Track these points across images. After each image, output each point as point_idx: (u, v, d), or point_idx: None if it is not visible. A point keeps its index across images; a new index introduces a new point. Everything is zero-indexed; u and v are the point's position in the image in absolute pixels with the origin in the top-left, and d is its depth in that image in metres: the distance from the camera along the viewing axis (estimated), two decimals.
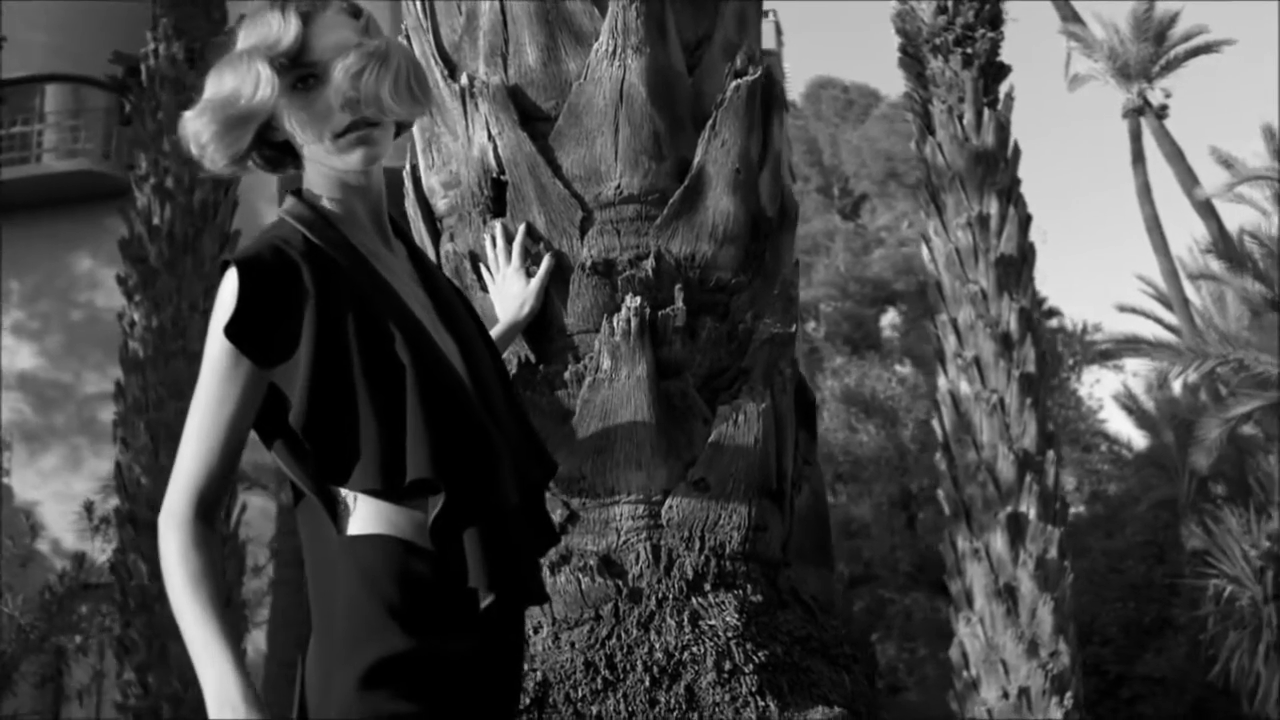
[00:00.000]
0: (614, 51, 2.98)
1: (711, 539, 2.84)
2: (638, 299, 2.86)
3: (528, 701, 2.69)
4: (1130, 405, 22.72)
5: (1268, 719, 14.59)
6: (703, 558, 2.82)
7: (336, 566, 1.94)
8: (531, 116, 3.03)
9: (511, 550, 2.02)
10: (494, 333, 2.76)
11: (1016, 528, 9.23)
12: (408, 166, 3.29)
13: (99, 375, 17.70)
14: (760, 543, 2.89)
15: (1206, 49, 21.95)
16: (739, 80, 3.07)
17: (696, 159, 3.00)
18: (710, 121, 3.03)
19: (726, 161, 3.01)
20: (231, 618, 1.99)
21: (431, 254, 3.12)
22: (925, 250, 10.29)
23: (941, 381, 9.92)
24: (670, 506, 2.84)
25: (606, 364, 2.85)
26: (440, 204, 3.17)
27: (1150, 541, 21.43)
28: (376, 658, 1.85)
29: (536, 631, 2.80)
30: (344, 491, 1.97)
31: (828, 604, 3.03)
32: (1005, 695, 8.95)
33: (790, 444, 3.06)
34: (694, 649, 2.72)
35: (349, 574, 1.92)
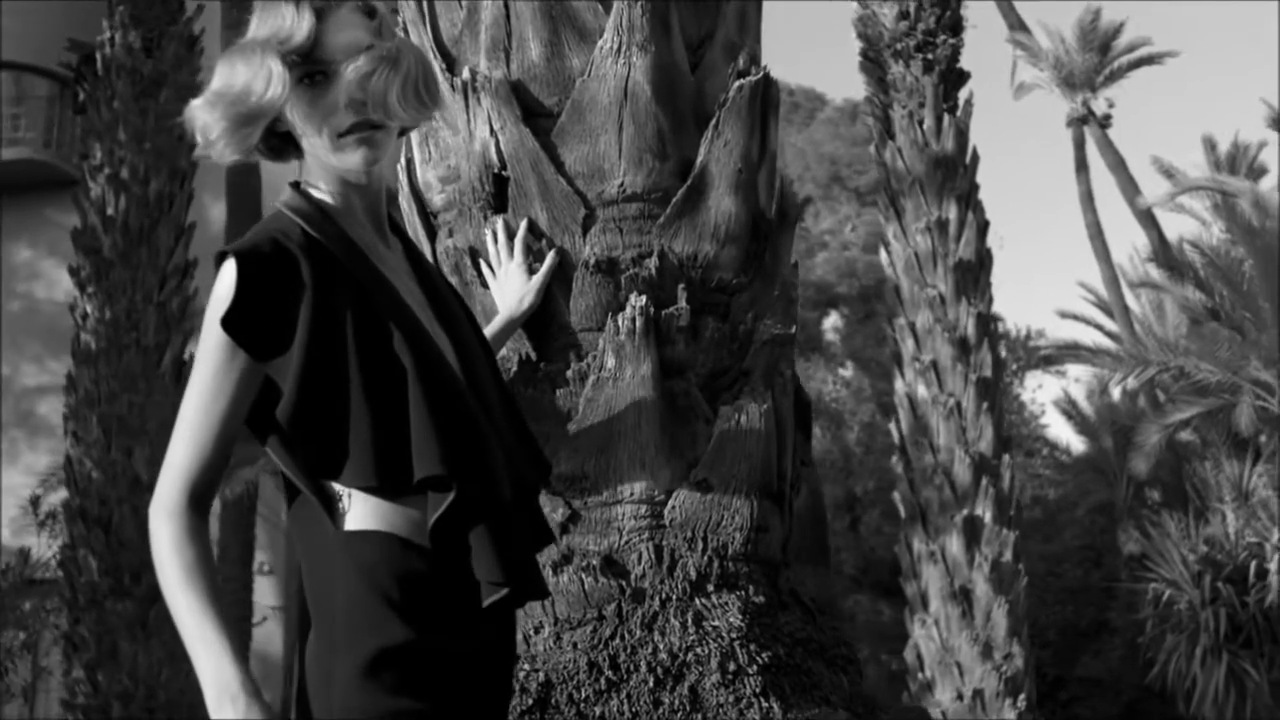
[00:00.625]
0: (619, 49, 2.97)
1: (714, 540, 2.83)
2: (643, 298, 2.85)
3: (530, 702, 2.66)
4: (1070, 411, 23.01)
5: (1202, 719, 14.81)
6: (705, 558, 2.81)
7: (334, 563, 1.93)
8: (534, 112, 3.01)
9: (516, 546, 2.03)
10: (492, 327, 2.76)
11: (972, 530, 9.32)
12: (402, 160, 3.26)
13: (37, 368, 17.43)
14: (762, 544, 2.89)
15: (1150, 60, 22.28)
16: (742, 80, 3.06)
17: (699, 158, 2.99)
18: (714, 121, 3.02)
19: (729, 161, 3.00)
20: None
21: (427, 250, 3.09)
22: (884, 254, 10.36)
23: (899, 385, 9.99)
24: (673, 507, 2.83)
25: (611, 362, 2.84)
26: (436, 199, 3.13)
27: (1088, 546, 21.70)
28: (377, 649, 1.84)
29: (538, 631, 2.78)
30: (339, 489, 1.96)
31: (826, 605, 3.03)
32: (960, 697, 9.02)
33: (790, 445, 3.06)
34: (698, 650, 2.71)
35: (347, 571, 1.91)
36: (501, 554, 1.96)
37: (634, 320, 2.83)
